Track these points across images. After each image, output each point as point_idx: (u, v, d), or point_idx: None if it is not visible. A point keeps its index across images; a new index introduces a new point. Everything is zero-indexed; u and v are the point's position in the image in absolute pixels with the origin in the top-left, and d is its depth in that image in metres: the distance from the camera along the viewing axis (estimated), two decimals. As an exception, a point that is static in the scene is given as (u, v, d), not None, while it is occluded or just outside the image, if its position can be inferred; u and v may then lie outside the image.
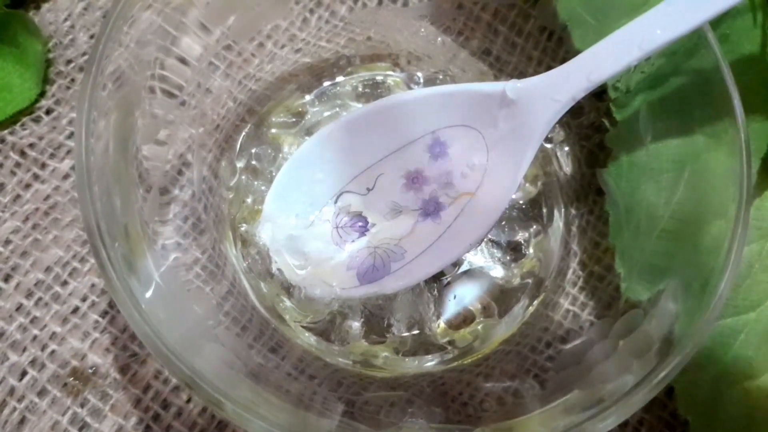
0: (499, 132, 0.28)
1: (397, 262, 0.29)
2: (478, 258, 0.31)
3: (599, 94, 0.30)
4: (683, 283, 0.25)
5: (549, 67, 0.34)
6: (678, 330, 0.23)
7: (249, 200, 0.31)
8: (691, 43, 0.26)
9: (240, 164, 0.31)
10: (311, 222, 0.30)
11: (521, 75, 0.34)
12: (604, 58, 0.25)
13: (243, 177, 0.31)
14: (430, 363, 0.29)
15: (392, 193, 0.30)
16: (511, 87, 0.27)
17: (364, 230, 0.30)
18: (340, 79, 0.33)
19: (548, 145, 0.33)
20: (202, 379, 0.21)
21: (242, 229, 0.30)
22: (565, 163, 0.33)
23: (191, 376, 0.21)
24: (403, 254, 0.29)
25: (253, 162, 0.31)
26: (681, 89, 0.27)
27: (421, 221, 0.30)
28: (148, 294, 0.23)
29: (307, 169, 0.30)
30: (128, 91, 0.25)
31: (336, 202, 0.30)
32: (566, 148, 0.33)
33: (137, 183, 0.25)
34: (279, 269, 0.29)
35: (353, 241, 0.30)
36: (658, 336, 0.24)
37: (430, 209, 0.30)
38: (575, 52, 0.28)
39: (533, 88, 0.27)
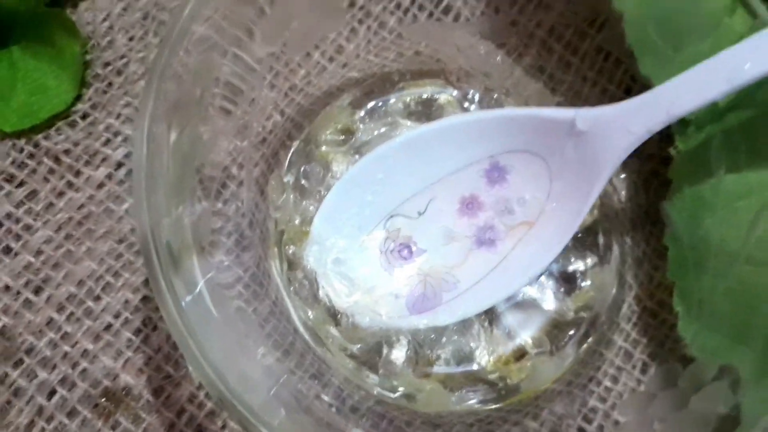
0: (566, 161, 0.26)
1: (449, 292, 0.28)
2: (531, 289, 0.29)
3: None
4: (764, 342, 0.23)
5: (604, 89, 0.33)
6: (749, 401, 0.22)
7: (297, 221, 0.29)
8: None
9: (288, 182, 0.30)
10: (360, 246, 0.29)
11: (576, 95, 0.33)
12: (687, 91, 0.23)
13: (291, 196, 0.30)
14: (477, 400, 0.28)
15: (445, 219, 0.29)
16: (583, 115, 0.25)
17: (414, 256, 0.29)
18: (389, 95, 0.32)
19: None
20: (239, 401, 0.20)
21: (289, 251, 0.29)
22: (621, 191, 0.31)
23: (227, 395, 0.20)
24: (456, 284, 0.28)
25: (302, 181, 0.30)
26: (758, 118, 0.26)
27: (475, 250, 0.28)
28: (189, 298, 0.22)
29: (357, 191, 0.28)
30: (185, 102, 0.23)
31: (386, 225, 0.29)
32: (622, 176, 0.31)
33: (195, 195, 0.25)
34: (326, 295, 0.28)
35: (402, 267, 0.28)
36: (727, 403, 0.22)
37: (485, 237, 0.28)
38: (642, 78, 0.27)
39: (607, 118, 0.25)
